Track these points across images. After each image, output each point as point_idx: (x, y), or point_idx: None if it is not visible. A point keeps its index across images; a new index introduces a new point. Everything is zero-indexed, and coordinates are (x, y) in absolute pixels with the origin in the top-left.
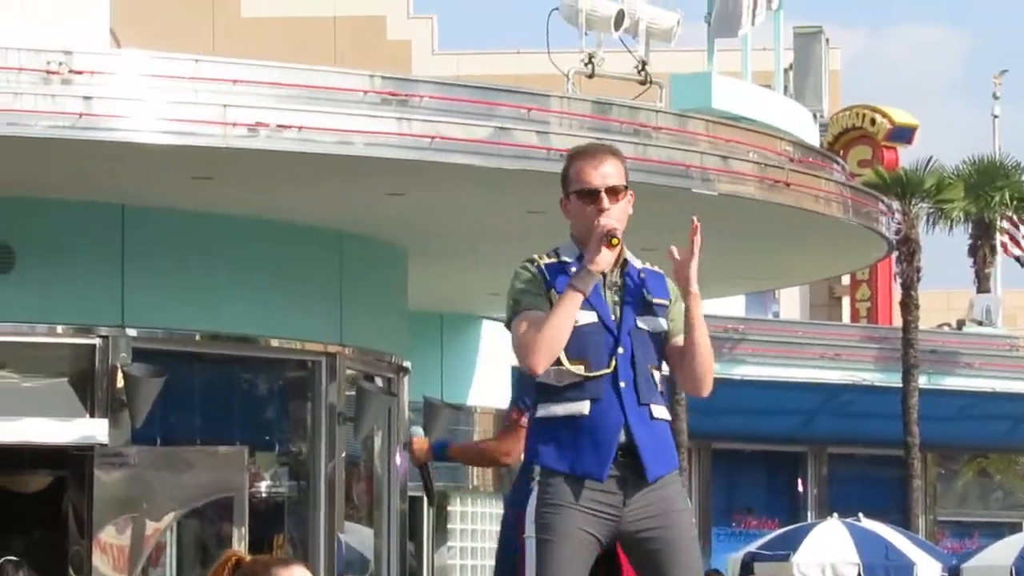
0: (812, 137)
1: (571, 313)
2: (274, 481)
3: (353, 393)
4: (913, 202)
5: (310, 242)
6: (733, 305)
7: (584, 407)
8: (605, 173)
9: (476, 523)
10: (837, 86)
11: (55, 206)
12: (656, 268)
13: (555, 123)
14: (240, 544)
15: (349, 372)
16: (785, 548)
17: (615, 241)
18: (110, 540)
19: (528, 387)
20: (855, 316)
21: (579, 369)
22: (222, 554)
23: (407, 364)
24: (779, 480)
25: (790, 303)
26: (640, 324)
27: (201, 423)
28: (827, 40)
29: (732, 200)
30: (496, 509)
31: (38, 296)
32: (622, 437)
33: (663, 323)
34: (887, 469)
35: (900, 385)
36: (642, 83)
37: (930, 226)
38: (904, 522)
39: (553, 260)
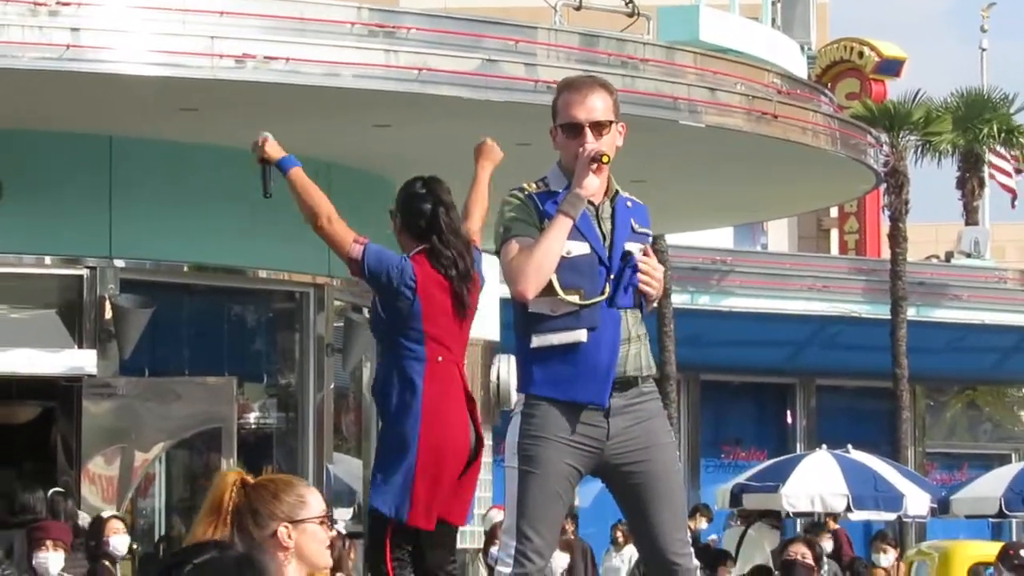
0: (800, 70)
1: (560, 238)
2: (262, 412)
3: (341, 324)
4: (901, 135)
5: None
6: (721, 237)
7: (582, 335)
8: (590, 107)
9: None
10: (825, 19)
11: (42, 138)
12: (638, 200)
13: (542, 55)
14: None
15: (337, 303)
16: (774, 479)
17: (605, 159)
18: (98, 471)
19: (518, 317)
20: (843, 248)
21: (574, 298)
22: (219, 476)
23: None
24: (768, 412)
25: (778, 235)
26: (633, 249)
27: (189, 354)
28: None
29: (719, 132)
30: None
31: (26, 228)
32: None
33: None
34: (876, 401)
35: (888, 317)
36: (629, 15)
37: (918, 158)
38: (893, 454)
39: (542, 189)
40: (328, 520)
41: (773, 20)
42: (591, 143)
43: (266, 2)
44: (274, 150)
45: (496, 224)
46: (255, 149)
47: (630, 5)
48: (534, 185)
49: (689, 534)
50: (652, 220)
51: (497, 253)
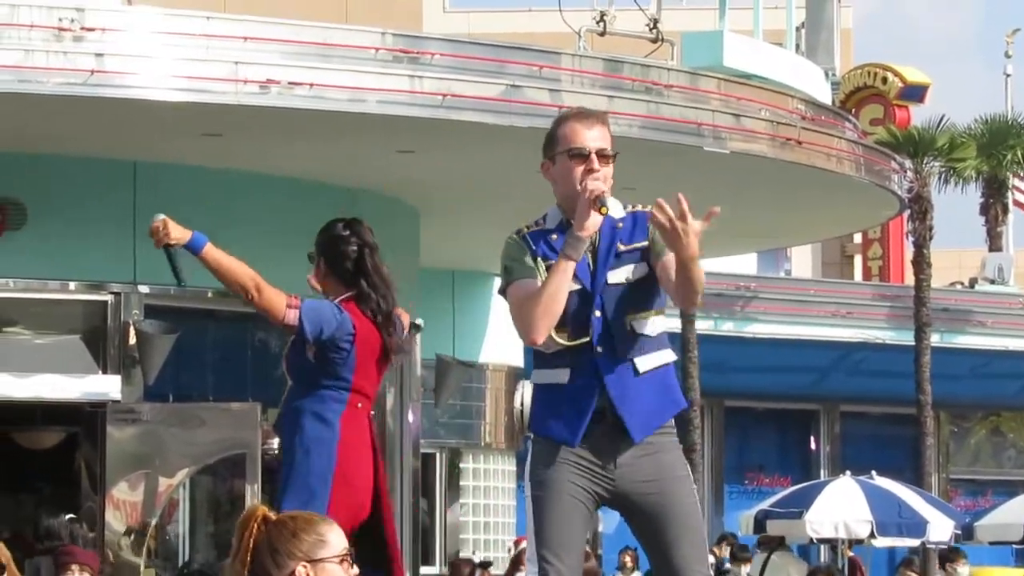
0: (824, 95)
1: (564, 282)
2: None
3: None
4: (925, 161)
5: (321, 199)
6: (745, 263)
7: (564, 375)
8: (596, 135)
9: (488, 480)
10: (849, 44)
11: (67, 162)
12: (639, 208)
13: (566, 81)
14: (252, 501)
15: None
16: (798, 506)
17: (604, 211)
18: (122, 496)
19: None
20: (867, 274)
21: (562, 338)
22: (247, 510)
23: (419, 321)
24: (791, 438)
25: (802, 261)
26: (611, 279)
27: (213, 380)
28: None
29: (744, 158)
30: (508, 466)
31: (51, 253)
32: (599, 403)
33: (630, 270)
34: (900, 427)
35: (912, 343)
36: (654, 41)
37: (942, 184)
38: (917, 480)
39: (537, 228)
40: (350, 558)
41: (797, 46)
42: (594, 176)
43: (290, 28)
44: (177, 231)
45: (501, 267)
46: (154, 234)
47: (654, 31)
48: (532, 225)
49: (710, 566)
50: None
51: (502, 293)
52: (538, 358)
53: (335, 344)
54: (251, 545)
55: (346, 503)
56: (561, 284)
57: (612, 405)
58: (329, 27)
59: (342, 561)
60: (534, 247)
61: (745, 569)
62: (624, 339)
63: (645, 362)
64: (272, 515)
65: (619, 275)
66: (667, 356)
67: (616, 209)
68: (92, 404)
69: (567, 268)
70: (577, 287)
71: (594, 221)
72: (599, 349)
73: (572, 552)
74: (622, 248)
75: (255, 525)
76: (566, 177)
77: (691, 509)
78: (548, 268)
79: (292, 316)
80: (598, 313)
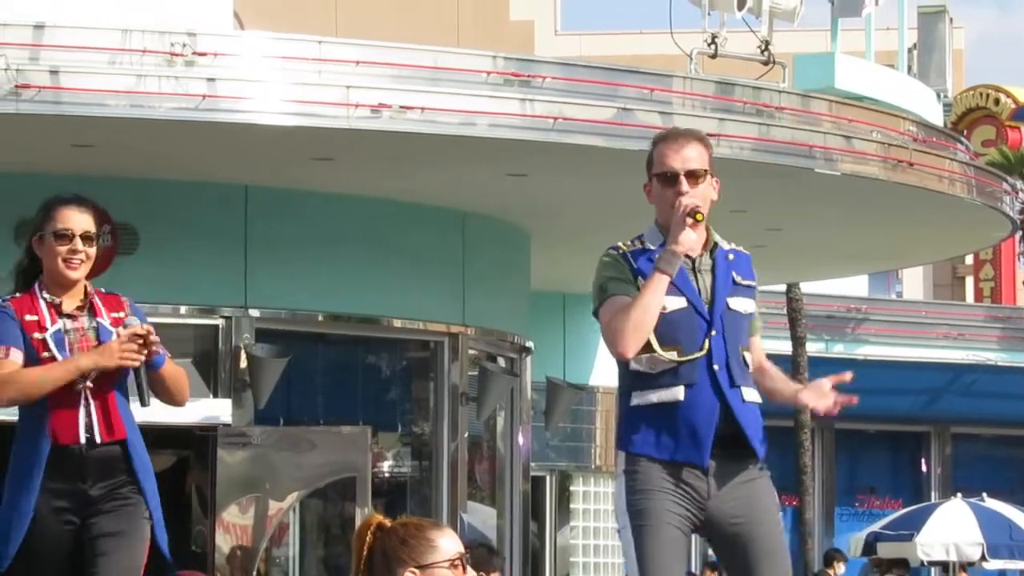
0: (936, 117)
1: (658, 295)
2: (397, 461)
3: (476, 373)
4: None
5: (432, 222)
6: (856, 285)
7: (679, 393)
8: (686, 157)
9: (598, 503)
10: (961, 66)
11: (178, 187)
12: (742, 249)
13: (678, 104)
14: None
15: (472, 352)
16: (909, 528)
17: (699, 216)
18: (233, 520)
19: (622, 375)
20: (979, 296)
21: (672, 355)
22: (365, 519)
23: (530, 344)
24: (902, 460)
25: (913, 283)
26: (732, 305)
27: (324, 403)
28: (951, 20)
29: (855, 180)
30: None
31: (162, 277)
32: (719, 421)
33: (752, 304)
34: (1011, 449)
35: None
36: (765, 63)
37: None
38: None
39: (637, 247)
40: (463, 563)
41: (909, 67)
42: (687, 195)
43: (401, 52)
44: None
45: (593, 285)
46: (147, 344)
47: (766, 53)
48: (629, 244)
49: None
50: (787, 268)
51: (595, 314)
52: (638, 379)
53: None
54: (367, 553)
55: None
56: (654, 298)
57: (733, 420)
58: (441, 51)
59: (452, 566)
60: (634, 264)
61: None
62: (737, 365)
63: (750, 393)
64: (387, 523)
65: (739, 304)
66: (759, 397)
67: (722, 241)
68: (203, 428)
69: (661, 282)
70: (683, 306)
71: (688, 236)
72: (716, 367)
73: None
74: (739, 280)
75: (370, 533)
76: (660, 200)
77: (779, 538)
78: None
79: None
80: (714, 333)
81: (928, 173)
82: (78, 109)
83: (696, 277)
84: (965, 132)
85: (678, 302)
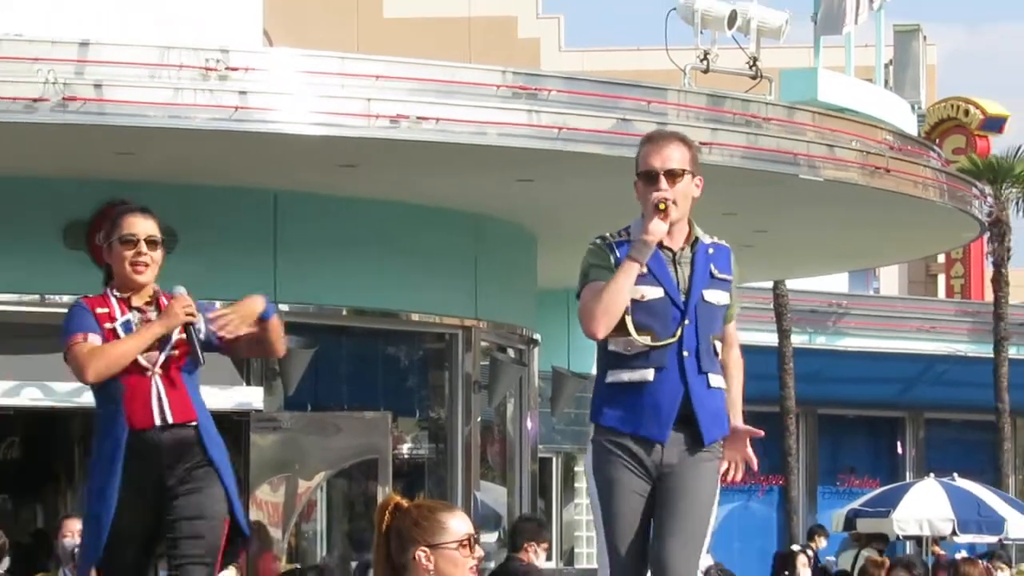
0: (910, 127)
1: (627, 281)
2: (415, 444)
3: (487, 363)
4: (1004, 187)
5: (447, 225)
6: (837, 282)
7: (649, 374)
8: (666, 156)
9: None
10: (934, 80)
11: (213, 192)
12: (724, 243)
13: (673, 115)
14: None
15: (483, 344)
16: (885, 505)
17: (662, 206)
18: (265, 498)
19: (600, 354)
20: (950, 292)
21: (645, 339)
22: (383, 499)
23: (537, 336)
24: (880, 443)
25: (889, 280)
26: (707, 297)
27: (348, 391)
28: (924, 37)
29: (837, 185)
30: None
31: (198, 275)
32: (680, 404)
33: (727, 297)
34: (980, 433)
35: (991, 355)
36: (753, 78)
37: (1020, 209)
38: (996, 482)
39: (622, 237)
40: (471, 543)
41: (886, 81)
42: (663, 190)
43: (418, 67)
44: (184, 310)
45: (580, 270)
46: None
47: (754, 68)
48: (615, 235)
49: (698, 558)
50: (774, 267)
51: (577, 296)
52: (614, 359)
53: None
54: (384, 531)
55: None
56: (625, 283)
57: (691, 406)
58: (454, 66)
59: (461, 546)
60: (617, 253)
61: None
62: (707, 353)
63: (716, 380)
64: (404, 503)
65: (713, 296)
66: (724, 383)
67: (704, 236)
68: (237, 413)
69: (631, 269)
70: (660, 295)
71: (657, 226)
72: (686, 354)
73: (637, 546)
74: (716, 274)
75: (388, 513)
76: (642, 196)
77: (696, 499)
78: None
79: None
80: (687, 322)
81: (904, 179)
82: (120, 120)
83: (676, 269)
84: (937, 141)
85: (655, 291)
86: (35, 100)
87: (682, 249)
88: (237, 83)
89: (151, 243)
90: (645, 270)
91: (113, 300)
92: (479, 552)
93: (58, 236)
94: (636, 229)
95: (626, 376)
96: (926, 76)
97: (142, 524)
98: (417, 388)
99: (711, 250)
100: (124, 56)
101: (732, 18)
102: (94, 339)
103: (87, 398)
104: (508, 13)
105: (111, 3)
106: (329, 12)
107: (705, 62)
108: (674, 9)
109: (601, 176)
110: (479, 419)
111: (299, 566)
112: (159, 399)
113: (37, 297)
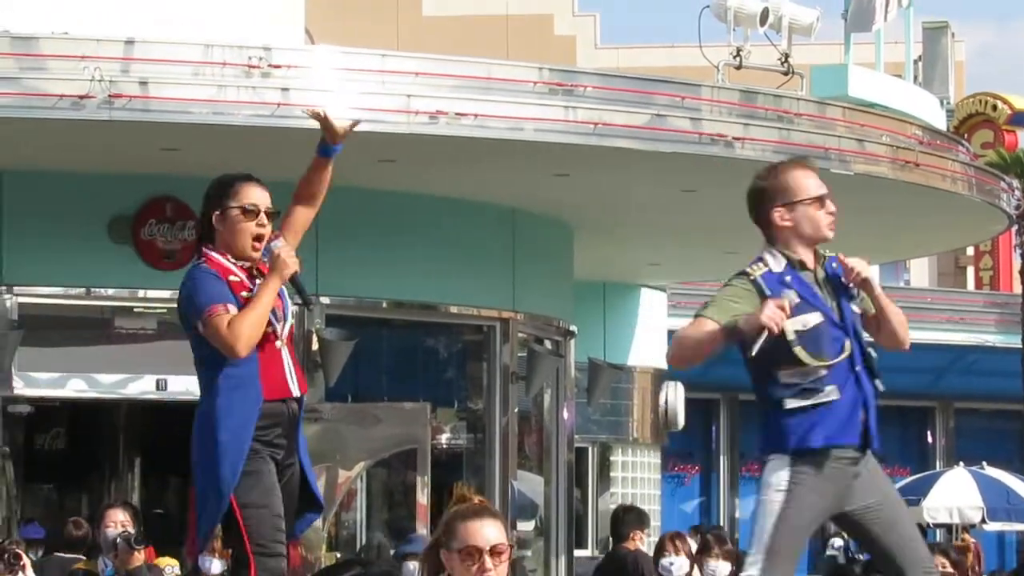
0: (939, 122)
1: (707, 341)
2: (453, 434)
3: (525, 354)
4: None
5: (485, 218)
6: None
7: (834, 392)
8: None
9: (636, 471)
10: (962, 75)
11: None
12: (831, 253)
13: (706, 110)
14: (423, 491)
15: (521, 335)
16: (916, 493)
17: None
18: None
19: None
20: (979, 283)
21: (821, 363)
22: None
23: (573, 328)
24: (911, 432)
25: (920, 272)
26: (855, 309)
27: (388, 382)
28: (953, 34)
29: (867, 179)
30: (652, 459)
31: None
32: (862, 412)
33: (867, 302)
34: (1009, 422)
35: (1020, 346)
36: (785, 74)
37: None
38: None
39: (763, 269)
40: (479, 555)
41: (915, 77)
42: (770, 313)
43: (456, 64)
44: (287, 261)
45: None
46: (284, 264)
47: (785, 65)
48: (753, 267)
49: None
50: None
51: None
52: (792, 389)
53: None
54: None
55: None
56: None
57: (867, 417)
58: (492, 63)
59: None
60: (767, 290)
61: None
62: (871, 359)
63: (880, 384)
64: (464, 497)
65: (858, 306)
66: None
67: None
68: None
69: (717, 333)
70: (820, 320)
71: (777, 319)
72: (858, 368)
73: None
74: (846, 284)
75: (451, 503)
76: (812, 220)
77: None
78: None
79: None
80: (849, 337)
81: (933, 173)
82: (165, 116)
83: (822, 290)
84: (966, 136)
85: (815, 318)
86: (82, 97)
87: (815, 269)
88: (279, 80)
89: (270, 215)
90: (797, 300)
91: (235, 267)
92: (488, 563)
93: (103, 230)
94: (773, 261)
95: (811, 398)
96: (954, 72)
97: (272, 476)
98: (455, 379)
99: (835, 264)
100: (168, 54)
101: (764, 15)
102: (232, 309)
103: (131, 389)
104: (545, 11)
105: (156, 2)
106: (370, 10)
107: (738, 59)
108: (707, 7)
109: (636, 170)
110: (516, 410)
111: (340, 555)
112: (290, 370)
113: (83, 291)
